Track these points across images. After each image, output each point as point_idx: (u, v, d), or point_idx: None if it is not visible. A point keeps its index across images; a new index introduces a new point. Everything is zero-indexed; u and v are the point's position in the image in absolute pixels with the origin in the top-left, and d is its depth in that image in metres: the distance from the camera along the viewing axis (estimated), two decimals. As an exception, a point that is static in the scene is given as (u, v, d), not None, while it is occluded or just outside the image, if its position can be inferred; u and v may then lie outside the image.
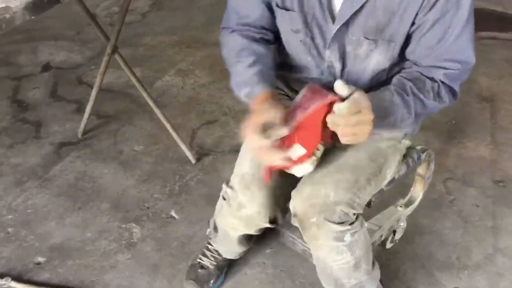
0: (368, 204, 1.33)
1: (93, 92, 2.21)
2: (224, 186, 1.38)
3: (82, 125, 2.33)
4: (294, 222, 1.26)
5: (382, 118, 1.08)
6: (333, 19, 1.16)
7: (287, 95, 1.40)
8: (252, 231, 1.42)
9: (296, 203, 1.23)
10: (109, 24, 3.19)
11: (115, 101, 2.61)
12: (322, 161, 1.22)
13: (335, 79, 1.24)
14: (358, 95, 1.00)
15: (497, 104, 2.57)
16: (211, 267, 1.65)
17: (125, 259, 1.77)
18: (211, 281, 1.64)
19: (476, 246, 1.81)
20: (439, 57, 1.14)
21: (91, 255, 1.79)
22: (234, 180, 1.34)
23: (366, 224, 1.59)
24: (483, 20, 3.08)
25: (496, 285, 1.67)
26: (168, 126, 2.15)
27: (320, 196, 1.18)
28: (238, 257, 1.66)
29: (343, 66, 1.23)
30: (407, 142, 1.42)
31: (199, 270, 1.65)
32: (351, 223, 1.21)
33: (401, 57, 1.21)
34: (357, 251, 1.25)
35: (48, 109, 2.57)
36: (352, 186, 1.20)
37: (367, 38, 1.15)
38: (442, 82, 1.16)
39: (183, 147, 2.18)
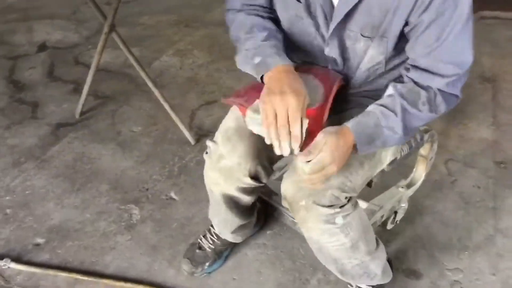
0: (369, 184, 1.32)
1: (91, 72, 2.18)
2: (207, 142, 1.36)
3: (79, 106, 2.30)
4: (285, 203, 1.24)
5: (367, 143, 1.12)
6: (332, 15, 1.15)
7: None
8: (233, 188, 1.36)
9: (286, 185, 1.21)
10: (106, 3, 3.13)
11: (112, 81, 2.58)
12: None
13: (339, 70, 1.25)
14: (322, 155, 1.05)
15: (499, 85, 2.54)
16: (209, 249, 1.64)
17: (125, 240, 1.76)
18: (207, 263, 1.63)
19: (476, 227, 1.80)
20: (437, 57, 1.10)
21: (91, 236, 1.78)
22: (218, 135, 1.34)
23: (365, 205, 1.60)
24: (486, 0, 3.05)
25: (497, 266, 1.67)
26: (166, 106, 2.12)
27: None
28: (235, 237, 1.61)
29: (344, 59, 1.22)
30: None
31: (197, 251, 1.64)
32: (341, 206, 1.19)
33: (398, 51, 1.19)
34: (352, 233, 1.23)
35: (44, 89, 2.54)
36: (344, 169, 1.17)
37: (363, 36, 1.15)
38: (441, 90, 1.13)
39: (182, 128, 2.16)
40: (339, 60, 1.22)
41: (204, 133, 2.23)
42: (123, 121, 2.32)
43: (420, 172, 1.70)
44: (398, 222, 1.76)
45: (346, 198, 1.19)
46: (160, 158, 2.11)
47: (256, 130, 1.13)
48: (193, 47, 2.87)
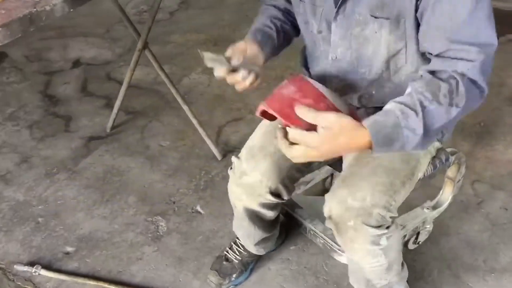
0: None
1: (123, 88, 2.25)
2: (232, 158, 1.41)
3: (110, 120, 2.37)
4: (329, 224, 1.24)
5: (385, 145, 1.00)
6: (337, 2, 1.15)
7: None
8: (255, 203, 1.39)
9: (332, 205, 1.21)
10: (138, 22, 3.23)
11: (143, 98, 2.65)
12: (356, 164, 1.24)
13: (344, 71, 1.23)
14: (311, 137, 0.97)
15: (528, 107, 2.52)
16: (236, 261, 1.66)
17: (151, 251, 1.80)
18: (234, 275, 1.65)
19: (503, 249, 1.78)
20: (454, 37, 1.01)
21: (118, 246, 1.82)
22: (243, 151, 1.38)
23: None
24: (514, 22, 3.05)
25: (524, 289, 1.65)
26: (195, 122, 2.17)
27: (357, 199, 1.17)
28: (258, 249, 1.62)
29: (353, 51, 1.19)
30: (437, 144, 1.39)
31: (224, 262, 1.67)
32: (388, 227, 1.19)
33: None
34: (391, 254, 1.25)
35: (78, 104, 2.63)
36: (388, 189, 1.18)
37: (373, 16, 1.11)
38: (464, 76, 1.01)
39: (209, 143, 2.20)
40: (347, 53, 1.19)
41: (230, 149, 2.27)
42: (152, 136, 2.38)
43: (446, 195, 1.68)
44: (420, 243, 1.75)
45: (390, 218, 1.20)
46: (187, 172, 2.15)
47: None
48: (221, 65, 2.94)
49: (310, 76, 1.36)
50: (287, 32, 1.35)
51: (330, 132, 0.96)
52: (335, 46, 1.21)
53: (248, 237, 1.58)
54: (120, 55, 3.07)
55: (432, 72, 1.05)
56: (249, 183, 1.35)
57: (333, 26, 1.18)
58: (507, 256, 1.76)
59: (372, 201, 1.16)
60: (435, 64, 1.06)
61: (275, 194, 1.35)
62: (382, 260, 1.24)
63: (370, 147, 0.99)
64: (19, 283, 1.69)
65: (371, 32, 1.13)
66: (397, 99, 1.03)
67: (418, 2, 1.05)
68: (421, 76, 1.07)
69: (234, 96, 2.66)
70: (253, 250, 1.63)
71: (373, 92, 1.25)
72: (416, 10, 1.06)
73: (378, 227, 1.18)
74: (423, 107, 0.99)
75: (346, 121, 0.97)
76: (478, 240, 1.82)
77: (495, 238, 1.82)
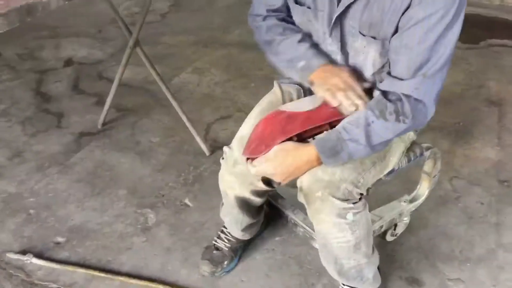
0: (367, 192, 1.40)
1: (115, 83, 2.31)
2: (224, 147, 1.47)
3: (102, 117, 2.43)
4: (300, 197, 1.32)
5: (332, 156, 1.21)
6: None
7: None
8: (247, 191, 1.47)
9: (303, 177, 1.29)
10: (130, 24, 3.29)
11: (133, 96, 2.71)
12: None
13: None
14: (265, 167, 1.26)
15: (505, 108, 2.62)
16: (226, 249, 1.72)
17: (140, 241, 1.85)
18: (225, 262, 1.71)
19: (479, 241, 1.86)
20: (414, 64, 1.14)
21: (108, 237, 1.87)
22: (234, 141, 1.45)
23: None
24: (496, 29, 3.15)
25: (497, 278, 1.72)
26: (184, 118, 2.24)
27: (327, 173, 1.25)
28: (244, 234, 1.69)
29: (346, 57, 1.31)
30: (412, 135, 1.47)
31: (214, 252, 1.72)
32: (354, 203, 1.27)
33: None
34: (358, 231, 1.31)
35: (69, 101, 2.68)
36: (358, 166, 1.27)
37: (361, 33, 1.23)
38: (408, 96, 1.16)
39: (198, 140, 2.26)
40: (339, 55, 1.31)
41: (218, 146, 2.33)
42: (142, 132, 2.44)
43: (423, 189, 1.75)
44: (398, 235, 1.82)
45: (358, 194, 1.27)
46: (176, 167, 2.21)
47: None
48: (211, 65, 3.01)
49: None
50: None
51: (277, 159, 1.23)
52: (334, 54, 1.33)
53: (236, 223, 1.65)
54: (111, 55, 3.13)
55: (384, 93, 1.20)
56: (242, 171, 1.41)
57: (329, 40, 1.31)
58: (482, 247, 1.83)
59: (341, 175, 1.25)
60: (385, 85, 1.21)
61: (266, 181, 1.42)
62: (348, 235, 1.30)
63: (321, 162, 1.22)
64: (11, 271, 1.73)
65: (360, 46, 1.25)
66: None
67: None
68: (374, 93, 1.23)
69: (223, 95, 2.74)
70: (239, 235, 1.70)
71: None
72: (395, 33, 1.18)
73: (345, 200, 1.25)
74: (367, 122, 1.18)
75: (287, 144, 1.23)
76: (455, 232, 1.89)
77: (471, 231, 1.90)
